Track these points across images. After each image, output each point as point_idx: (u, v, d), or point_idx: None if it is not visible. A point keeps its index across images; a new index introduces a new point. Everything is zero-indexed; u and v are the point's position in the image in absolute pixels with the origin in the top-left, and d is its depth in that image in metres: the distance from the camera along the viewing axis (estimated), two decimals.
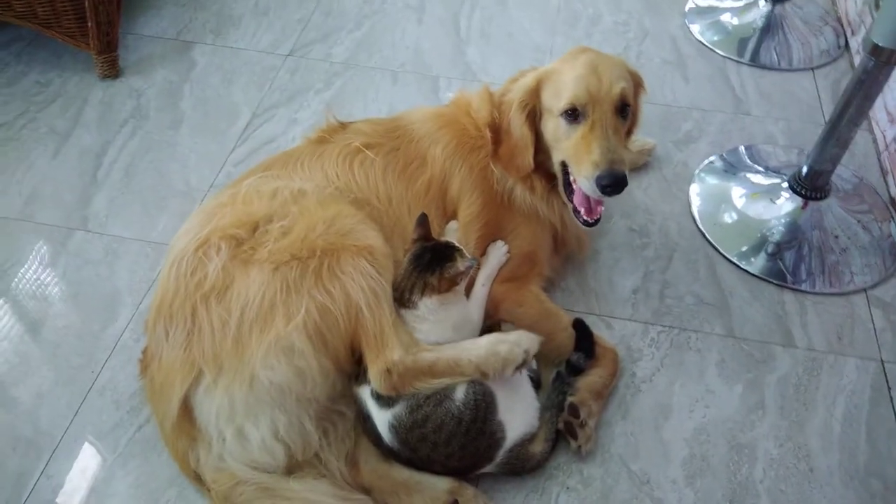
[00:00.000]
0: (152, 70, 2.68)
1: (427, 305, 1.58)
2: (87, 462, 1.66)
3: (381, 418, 1.54)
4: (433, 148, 1.81)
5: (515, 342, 1.54)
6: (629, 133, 1.82)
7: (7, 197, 2.24)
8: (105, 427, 1.72)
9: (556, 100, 1.69)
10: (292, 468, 1.51)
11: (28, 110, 2.52)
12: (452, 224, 1.82)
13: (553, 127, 1.71)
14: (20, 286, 2.01)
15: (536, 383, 1.70)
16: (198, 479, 1.54)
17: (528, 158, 1.75)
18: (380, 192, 1.77)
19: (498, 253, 1.83)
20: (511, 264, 1.83)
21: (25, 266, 2.06)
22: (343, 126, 1.89)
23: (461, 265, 1.59)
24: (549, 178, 1.83)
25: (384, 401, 1.53)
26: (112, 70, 2.62)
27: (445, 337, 1.60)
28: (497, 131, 1.78)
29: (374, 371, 1.50)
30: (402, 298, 1.60)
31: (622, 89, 1.66)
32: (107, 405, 1.76)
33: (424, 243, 1.63)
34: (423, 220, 1.67)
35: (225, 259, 1.53)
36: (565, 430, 1.65)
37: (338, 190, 1.74)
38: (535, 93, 1.73)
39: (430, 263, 1.59)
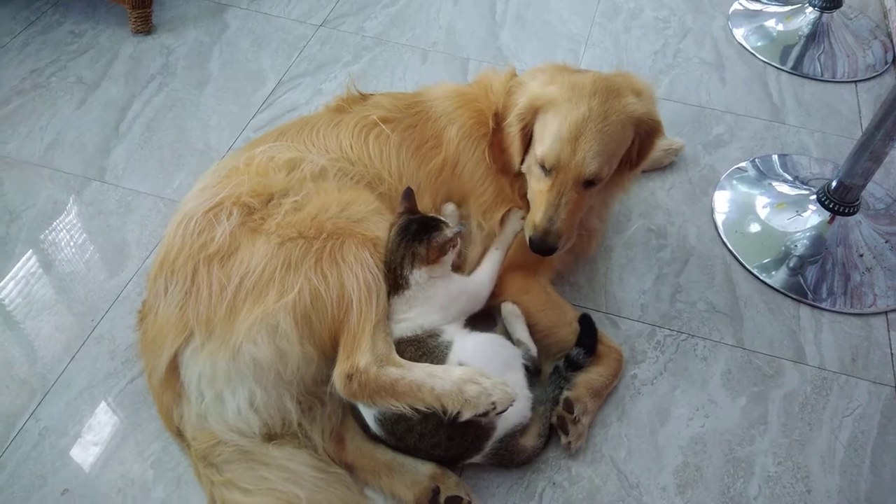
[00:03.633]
0: (184, 29, 2.68)
1: (417, 279, 1.55)
2: (76, 408, 1.67)
3: (367, 412, 1.52)
4: (449, 128, 1.78)
5: (486, 391, 1.41)
6: (635, 166, 1.73)
7: (30, 141, 2.26)
8: (98, 375, 1.72)
9: (538, 141, 1.64)
10: (273, 436, 1.50)
11: (59, 59, 2.54)
12: (449, 206, 1.78)
13: (532, 161, 1.68)
14: (32, 230, 2.02)
15: (533, 371, 1.67)
16: (180, 434, 1.54)
17: (513, 163, 1.72)
18: (392, 168, 1.74)
19: (514, 219, 1.79)
20: (521, 252, 1.79)
21: (39, 211, 2.07)
22: (363, 97, 1.86)
23: (448, 232, 1.56)
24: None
25: None
26: (145, 26, 2.63)
27: (433, 320, 1.56)
28: (499, 122, 1.74)
29: (337, 372, 1.46)
30: (394, 277, 1.56)
31: (592, 171, 1.59)
32: (102, 354, 1.76)
33: (409, 216, 1.60)
34: (408, 194, 1.64)
35: (234, 225, 1.52)
36: (557, 424, 1.62)
37: (350, 162, 1.71)
38: (534, 115, 1.66)
39: (417, 233, 1.56)
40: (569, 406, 1.62)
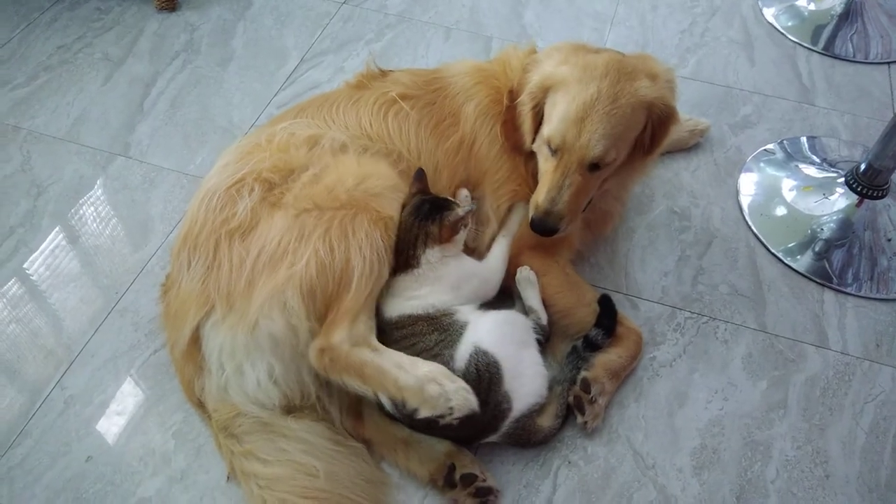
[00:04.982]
0: (208, 6, 2.69)
1: (429, 259, 1.55)
2: (100, 378, 1.70)
3: None
4: (466, 105, 1.77)
5: (446, 393, 1.39)
6: (649, 153, 1.69)
7: (56, 117, 2.29)
8: (122, 347, 1.76)
9: (546, 120, 1.62)
10: (292, 409, 1.52)
11: (85, 35, 2.56)
12: (462, 191, 1.77)
13: (541, 141, 1.66)
14: (58, 204, 2.06)
15: (544, 340, 1.66)
16: (201, 405, 1.57)
17: (524, 141, 1.70)
18: (411, 145, 1.73)
19: (518, 210, 1.78)
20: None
21: (65, 185, 2.10)
22: (383, 74, 1.85)
23: (460, 211, 1.56)
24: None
25: None
26: (169, 3, 2.64)
27: (444, 300, 1.56)
28: (513, 99, 1.71)
29: (313, 345, 1.45)
30: (405, 256, 1.56)
31: (597, 154, 1.56)
32: (126, 326, 1.79)
33: (422, 196, 1.60)
34: (420, 175, 1.64)
35: (256, 200, 1.52)
36: (574, 403, 1.62)
37: (369, 139, 1.71)
38: (545, 94, 1.64)
39: (430, 213, 1.56)
40: (586, 386, 1.62)
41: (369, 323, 1.50)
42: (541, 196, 1.62)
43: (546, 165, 1.64)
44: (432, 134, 1.75)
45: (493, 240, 1.77)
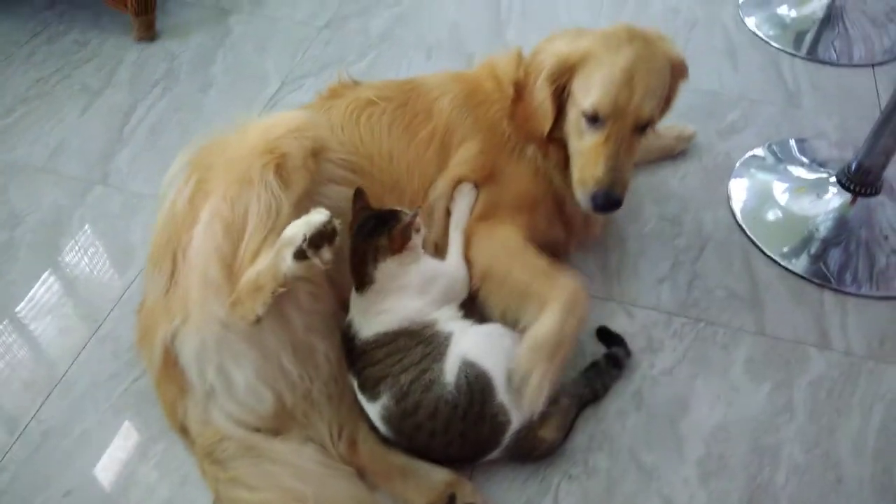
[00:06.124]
0: (188, 35, 2.68)
1: (384, 272, 1.47)
2: (79, 409, 1.63)
3: (372, 411, 1.46)
4: (441, 99, 1.72)
5: (297, 225, 1.33)
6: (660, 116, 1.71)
7: (35, 147, 2.25)
8: (101, 376, 1.69)
9: (583, 94, 1.58)
10: (281, 425, 1.46)
11: (64, 67, 2.54)
12: (464, 187, 1.71)
13: (574, 119, 1.62)
14: (36, 234, 2.00)
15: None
16: (184, 431, 1.49)
17: (543, 129, 1.66)
18: (382, 148, 1.68)
19: (465, 192, 1.69)
20: (492, 207, 1.69)
21: (44, 215, 2.05)
22: (356, 83, 1.83)
23: (406, 217, 1.48)
24: (565, 150, 1.71)
25: (369, 394, 1.45)
26: (148, 33, 2.62)
27: (415, 307, 1.48)
28: (520, 90, 1.69)
29: (227, 305, 1.37)
30: (360, 276, 1.49)
31: (649, 113, 1.56)
32: (105, 355, 1.73)
33: (366, 213, 1.54)
34: (360, 193, 1.57)
35: (191, 191, 1.48)
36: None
37: (340, 143, 1.64)
38: (570, 73, 1.61)
39: (376, 227, 1.49)
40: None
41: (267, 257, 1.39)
42: (599, 170, 1.57)
43: (587, 140, 1.59)
44: (404, 133, 1.70)
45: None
